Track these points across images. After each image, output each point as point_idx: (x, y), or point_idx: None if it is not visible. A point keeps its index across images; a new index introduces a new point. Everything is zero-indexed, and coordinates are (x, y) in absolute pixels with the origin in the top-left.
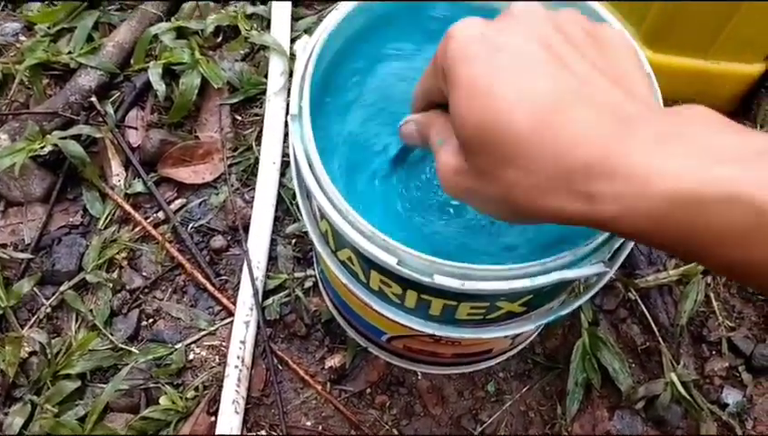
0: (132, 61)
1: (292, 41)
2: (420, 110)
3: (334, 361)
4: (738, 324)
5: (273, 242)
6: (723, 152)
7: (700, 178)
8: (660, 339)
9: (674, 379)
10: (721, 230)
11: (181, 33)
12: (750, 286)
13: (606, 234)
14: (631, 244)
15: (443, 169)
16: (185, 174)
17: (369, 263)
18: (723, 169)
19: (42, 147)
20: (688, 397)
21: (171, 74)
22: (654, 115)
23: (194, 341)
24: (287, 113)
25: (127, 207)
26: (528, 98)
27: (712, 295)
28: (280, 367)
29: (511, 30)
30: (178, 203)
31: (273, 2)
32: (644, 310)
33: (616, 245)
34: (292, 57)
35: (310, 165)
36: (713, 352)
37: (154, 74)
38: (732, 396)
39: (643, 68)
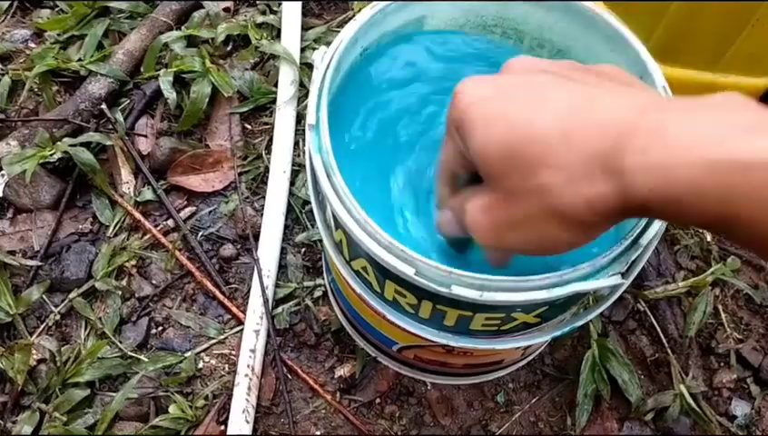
0: (142, 69)
1: (302, 50)
2: (447, 197)
3: (344, 370)
4: (746, 336)
5: (283, 251)
6: (763, 125)
7: (742, 146)
8: (669, 350)
9: (683, 390)
10: (762, 198)
11: (191, 41)
12: None
13: (623, 246)
14: (646, 257)
15: (472, 213)
16: (195, 182)
17: (385, 273)
18: (765, 138)
19: (52, 154)
20: (697, 409)
21: (181, 83)
22: (679, 99)
23: (204, 350)
24: (297, 122)
25: (137, 215)
26: (545, 110)
27: (720, 307)
28: (290, 376)
29: (513, 73)
30: (188, 211)
31: (283, 12)
32: (654, 321)
33: (633, 257)
34: (302, 67)
35: (328, 175)
36: (722, 364)
37: (165, 82)
38: (740, 408)
39: (646, 86)
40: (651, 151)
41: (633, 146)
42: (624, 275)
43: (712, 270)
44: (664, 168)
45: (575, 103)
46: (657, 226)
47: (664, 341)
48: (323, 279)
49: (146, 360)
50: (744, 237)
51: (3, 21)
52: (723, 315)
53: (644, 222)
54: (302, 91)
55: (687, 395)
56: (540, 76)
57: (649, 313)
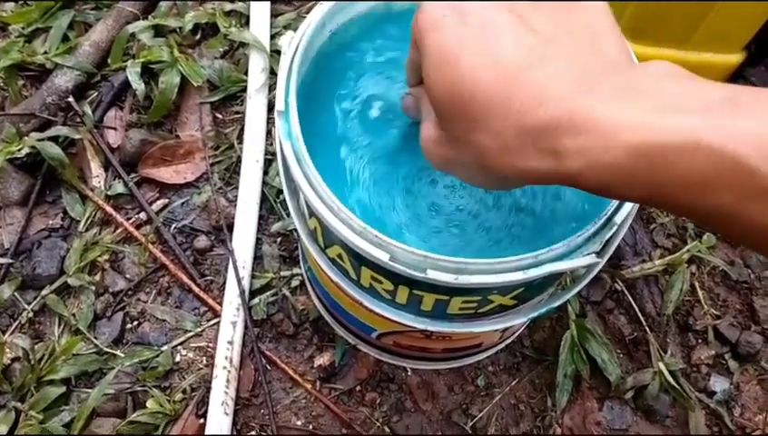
0: (109, 60)
1: (272, 37)
2: (414, 83)
3: (323, 359)
4: (723, 312)
5: (258, 242)
6: (684, 102)
7: (661, 128)
8: (647, 329)
9: (662, 368)
10: (683, 178)
11: (158, 31)
12: (718, 232)
13: (597, 226)
14: (621, 236)
15: (424, 140)
16: (167, 174)
17: (360, 260)
18: (683, 118)
19: (19, 149)
20: (676, 386)
21: (149, 73)
22: (616, 71)
23: (180, 343)
24: (268, 110)
25: (108, 209)
26: (493, 63)
27: (697, 284)
28: (269, 367)
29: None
30: (160, 203)
31: None
32: (631, 300)
33: (607, 236)
34: (273, 54)
35: (299, 162)
36: (700, 341)
37: (133, 73)
38: (719, 384)
39: (613, 26)
40: (580, 135)
41: (565, 129)
42: (599, 254)
43: (687, 247)
44: (591, 152)
45: (522, 63)
46: (631, 205)
47: (642, 319)
48: (300, 268)
49: (122, 355)
50: (676, 211)
51: None
52: (699, 292)
53: (617, 201)
54: (273, 78)
55: (666, 373)
56: (502, 16)
57: (626, 293)
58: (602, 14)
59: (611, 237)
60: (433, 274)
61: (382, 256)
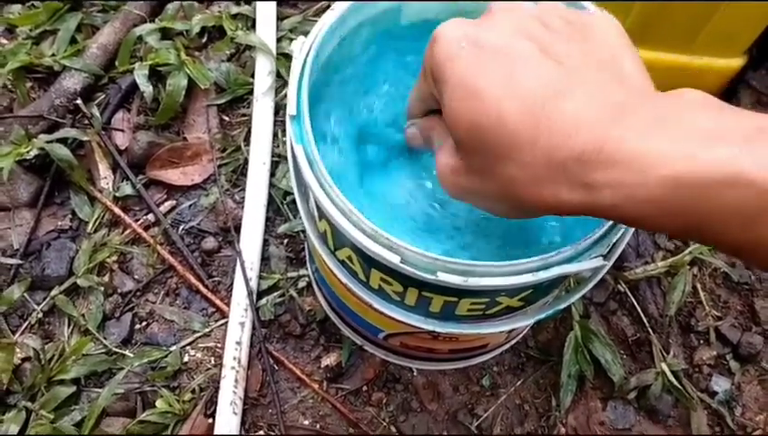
0: (116, 63)
1: (278, 40)
2: (420, 114)
3: (330, 359)
4: (725, 314)
5: (265, 243)
6: (721, 133)
7: (700, 161)
8: (650, 329)
9: (665, 368)
10: (724, 212)
11: (165, 34)
12: (759, 267)
13: (604, 229)
14: (627, 239)
15: (441, 170)
16: (174, 176)
17: (370, 262)
18: (722, 151)
19: (28, 151)
20: (679, 386)
21: (157, 76)
22: (645, 100)
23: (189, 344)
24: (275, 113)
25: (116, 210)
26: (516, 93)
27: (699, 286)
28: (277, 367)
29: (494, 27)
30: (168, 205)
31: (258, 2)
32: (634, 301)
33: (614, 239)
34: (279, 57)
35: (311, 165)
36: (702, 342)
37: (140, 76)
38: (720, 384)
39: (630, 47)
40: (613, 168)
41: (597, 162)
42: (605, 257)
43: (690, 249)
44: (627, 186)
45: (546, 92)
46: None
47: (645, 320)
48: (307, 269)
49: (131, 355)
50: (712, 244)
51: None
52: (701, 294)
53: None
54: (279, 81)
55: (669, 373)
56: (521, 45)
57: (629, 294)
58: (619, 36)
59: (617, 240)
60: (443, 276)
61: (393, 259)
